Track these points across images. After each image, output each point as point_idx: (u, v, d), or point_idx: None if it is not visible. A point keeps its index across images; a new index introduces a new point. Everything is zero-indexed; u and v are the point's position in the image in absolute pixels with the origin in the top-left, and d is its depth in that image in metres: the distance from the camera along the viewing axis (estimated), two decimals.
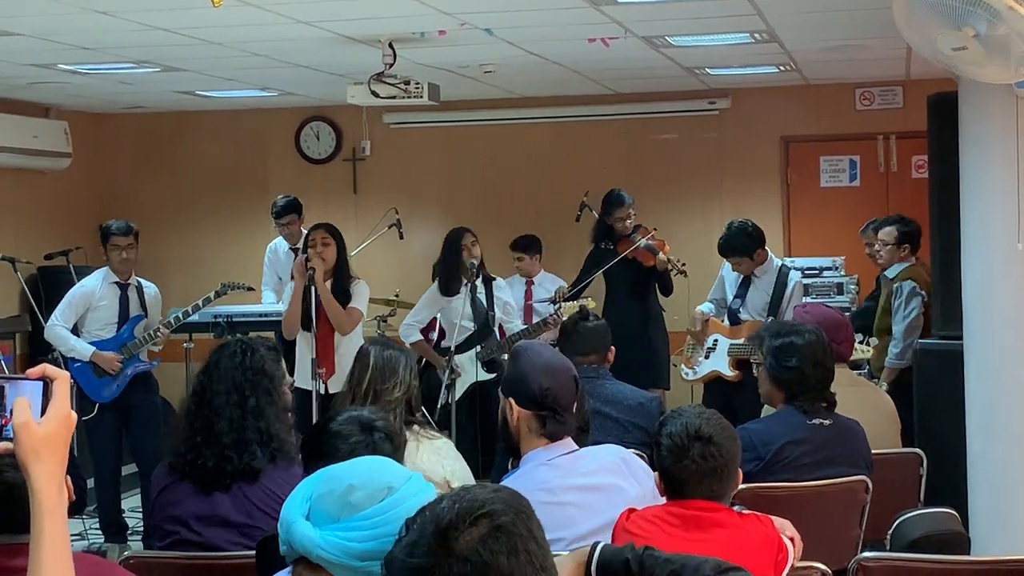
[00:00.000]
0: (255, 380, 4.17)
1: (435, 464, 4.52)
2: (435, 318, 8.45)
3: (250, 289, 8.64)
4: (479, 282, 7.97)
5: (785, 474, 4.61)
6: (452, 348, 7.60)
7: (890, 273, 8.00)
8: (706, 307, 8.12)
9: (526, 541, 2.05)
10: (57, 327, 7.81)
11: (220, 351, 4.28)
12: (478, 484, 2.23)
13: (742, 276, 7.97)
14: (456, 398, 7.57)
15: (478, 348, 7.97)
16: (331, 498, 2.38)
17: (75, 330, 7.85)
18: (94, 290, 7.87)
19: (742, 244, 7.87)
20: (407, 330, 8.05)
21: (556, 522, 3.52)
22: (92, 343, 7.80)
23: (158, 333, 7.88)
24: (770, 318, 7.72)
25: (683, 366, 8.12)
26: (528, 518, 2.11)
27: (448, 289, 8.00)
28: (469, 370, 7.85)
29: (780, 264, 8.07)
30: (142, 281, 8.06)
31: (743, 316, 7.93)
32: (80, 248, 9.11)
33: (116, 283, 7.90)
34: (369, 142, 10.93)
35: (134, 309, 7.95)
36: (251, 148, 11.30)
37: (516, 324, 8.31)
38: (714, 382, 7.98)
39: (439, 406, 7.34)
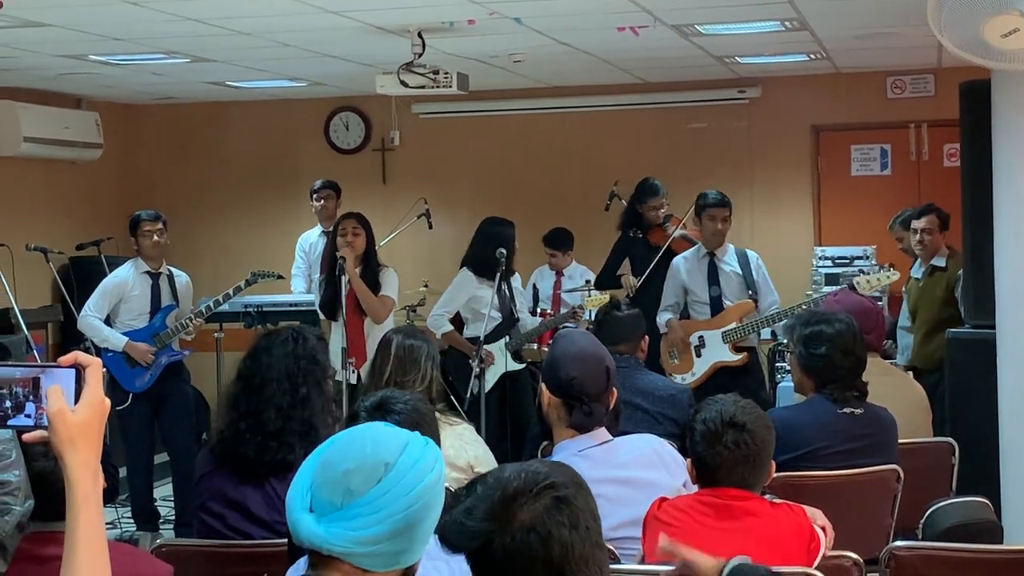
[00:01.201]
0: (308, 369, 4.12)
1: (458, 449, 4.54)
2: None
3: (280, 277, 8.65)
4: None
5: (814, 462, 4.60)
6: (481, 337, 7.56)
7: (937, 262, 7.98)
8: (669, 315, 8.04)
9: (586, 516, 2.07)
10: (90, 317, 7.84)
11: (271, 337, 4.24)
12: (536, 460, 2.22)
13: (706, 268, 7.91)
14: (487, 388, 7.53)
15: (507, 338, 7.92)
16: (329, 486, 2.30)
17: (108, 320, 7.88)
18: (127, 280, 7.90)
19: (725, 200, 7.92)
20: (437, 320, 7.86)
21: None
22: (125, 333, 7.83)
23: (190, 323, 7.91)
24: (750, 292, 7.79)
25: (675, 375, 7.87)
26: (587, 494, 2.12)
27: (485, 273, 7.80)
28: (499, 360, 7.82)
29: (732, 246, 8.08)
30: (173, 270, 8.09)
31: (727, 303, 7.89)
32: (111, 238, 9.15)
33: (147, 273, 7.93)
34: (398, 132, 10.90)
35: (166, 299, 7.98)
36: (280, 138, 11.32)
37: (526, 316, 8.26)
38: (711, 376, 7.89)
39: (469, 395, 7.31)
